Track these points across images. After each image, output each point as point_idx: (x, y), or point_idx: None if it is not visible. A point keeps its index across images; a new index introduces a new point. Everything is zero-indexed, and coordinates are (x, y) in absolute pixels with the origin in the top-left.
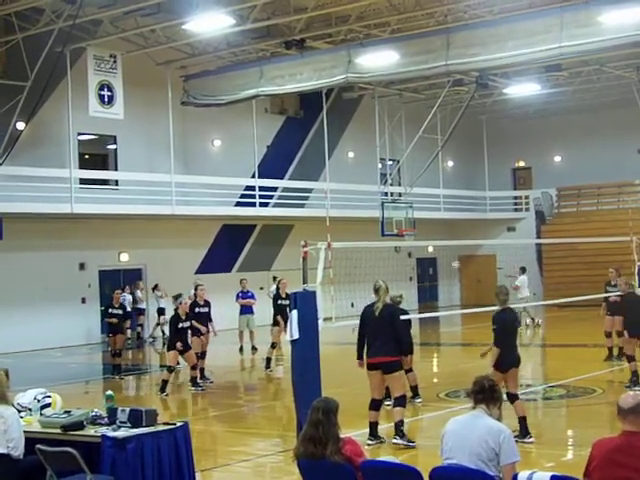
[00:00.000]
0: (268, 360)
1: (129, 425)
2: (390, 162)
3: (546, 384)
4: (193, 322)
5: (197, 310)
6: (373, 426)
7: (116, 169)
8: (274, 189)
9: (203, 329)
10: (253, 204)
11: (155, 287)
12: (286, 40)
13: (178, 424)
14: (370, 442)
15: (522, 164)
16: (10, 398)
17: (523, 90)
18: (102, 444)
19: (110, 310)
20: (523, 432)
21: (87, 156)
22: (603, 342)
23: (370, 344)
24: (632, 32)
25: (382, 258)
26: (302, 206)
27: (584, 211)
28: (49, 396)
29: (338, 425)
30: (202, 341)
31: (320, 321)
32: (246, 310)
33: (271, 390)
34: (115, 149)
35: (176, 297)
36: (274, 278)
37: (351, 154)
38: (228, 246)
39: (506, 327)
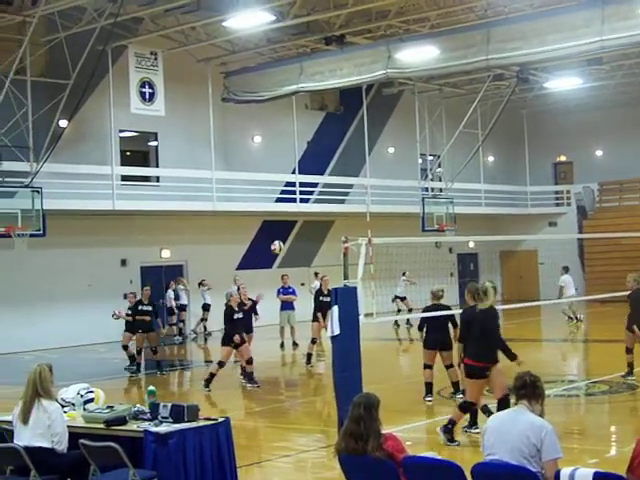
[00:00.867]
0: (309, 356)
1: (171, 420)
2: (430, 157)
3: (589, 380)
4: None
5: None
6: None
7: (157, 166)
8: (314, 185)
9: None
10: (294, 200)
11: (201, 283)
12: (326, 36)
13: (220, 420)
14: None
15: (563, 158)
16: (54, 393)
17: (564, 84)
18: (144, 439)
19: (140, 307)
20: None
21: (128, 153)
22: None
23: (473, 347)
24: None
25: (423, 253)
26: (342, 202)
27: (626, 205)
28: (92, 391)
29: (379, 421)
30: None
31: (361, 317)
32: (287, 306)
33: (312, 386)
34: (156, 146)
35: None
36: (316, 274)
37: (391, 149)
38: (269, 242)
39: (471, 324)
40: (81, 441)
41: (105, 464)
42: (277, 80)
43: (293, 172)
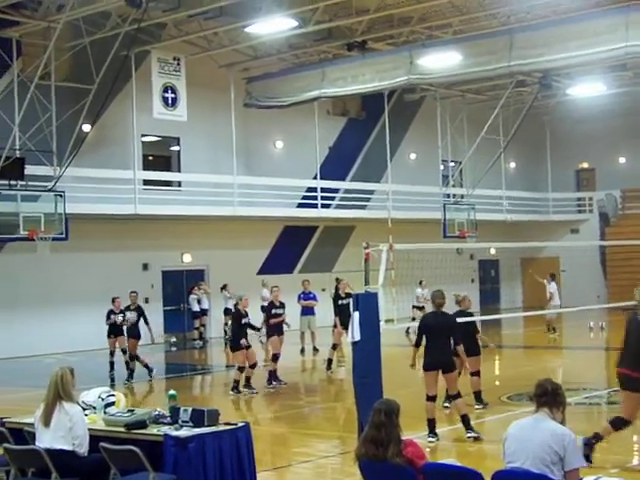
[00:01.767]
0: (329, 361)
1: (191, 425)
2: (452, 163)
3: (610, 388)
4: (272, 321)
5: (273, 311)
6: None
7: (179, 170)
8: (336, 190)
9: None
10: (315, 205)
11: (224, 287)
12: (348, 42)
13: (240, 424)
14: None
15: (585, 165)
16: (75, 396)
17: (587, 91)
18: (164, 443)
19: (123, 312)
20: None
21: (151, 157)
22: None
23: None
24: None
25: (444, 260)
26: (364, 207)
27: None
28: (113, 395)
29: (400, 427)
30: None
31: (382, 323)
32: (308, 311)
33: (332, 391)
34: (178, 150)
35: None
36: (337, 280)
37: (413, 155)
38: (290, 247)
39: (433, 329)
40: (102, 444)
41: (125, 467)
42: (299, 86)
43: (315, 177)
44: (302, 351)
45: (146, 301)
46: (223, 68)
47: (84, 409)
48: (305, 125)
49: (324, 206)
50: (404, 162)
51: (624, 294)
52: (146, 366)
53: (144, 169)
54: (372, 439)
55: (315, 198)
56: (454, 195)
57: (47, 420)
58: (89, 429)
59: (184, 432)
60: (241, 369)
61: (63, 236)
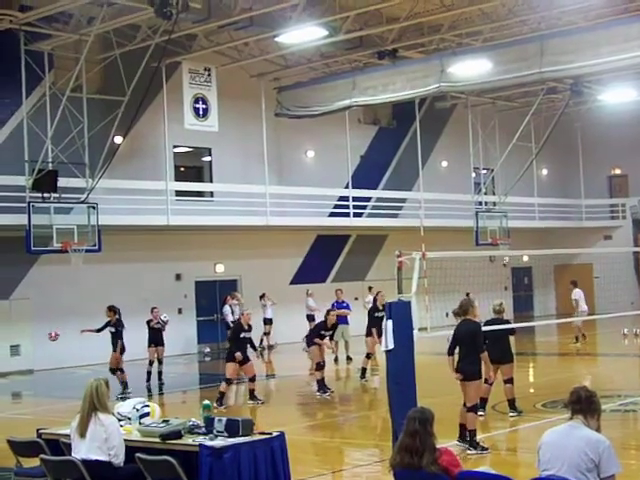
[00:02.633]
0: (363, 370)
1: (226, 435)
2: (484, 171)
3: None
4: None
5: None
6: None
7: (211, 181)
8: (368, 199)
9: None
10: (347, 214)
11: (262, 296)
12: (379, 50)
13: (274, 434)
14: None
15: (618, 171)
16: (110, 407)
17: (618, 97)
18: (200, 453)
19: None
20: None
21: (182, 168)
22: None
23: None
24: None
25: (477, 267)
26: (396, 216)
27: None
28: (148, 405)
29: (434, 435)
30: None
31: (415, 331)
32: (341, 320)
33: (366, 400)
34: (210, 161)
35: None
36: (369, 288)
37: (444, 163)
38: (322, 256)
39: (456, 337)
40: (137, 455)
41: (161, 478)
42: (330, 95)
43: (346, 186)
44: (336, 360)
45: (179, 312)
46: (254, 78)
47: (119, 420)
48: (336, 134)
49: (356, 215)
50: (436, 170)
51: None
52: (124, 383)
53: (176, 180)
54: (407, 447)
55: (347, 207)
56: (486, 203)
57: (83, 431)
58: (124, 440)
59: (219, 442)
60: (228, 381)
61: (96, 248)
